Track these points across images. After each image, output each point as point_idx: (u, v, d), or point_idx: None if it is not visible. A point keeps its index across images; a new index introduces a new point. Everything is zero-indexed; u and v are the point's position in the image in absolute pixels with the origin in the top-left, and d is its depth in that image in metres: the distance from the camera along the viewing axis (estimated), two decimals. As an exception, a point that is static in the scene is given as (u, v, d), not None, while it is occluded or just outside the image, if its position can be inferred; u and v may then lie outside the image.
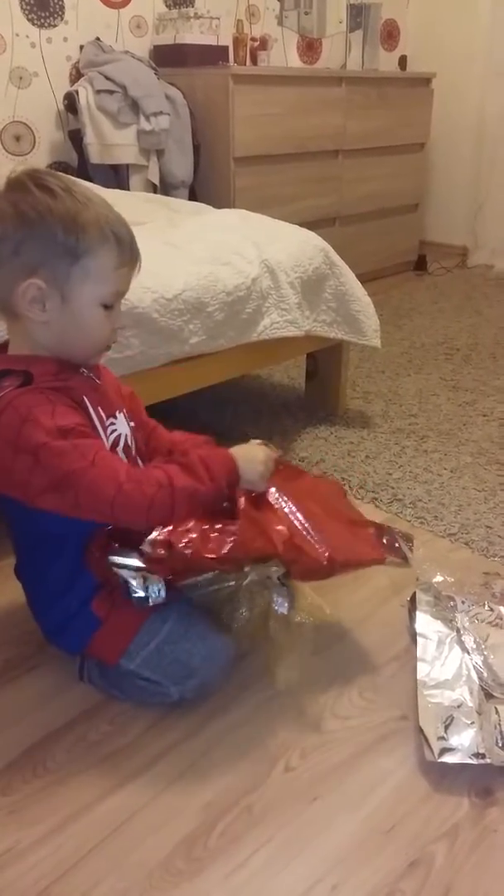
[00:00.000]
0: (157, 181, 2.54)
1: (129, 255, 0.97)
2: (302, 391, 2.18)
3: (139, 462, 1.11)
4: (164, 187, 2.58)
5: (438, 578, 1.31)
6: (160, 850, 0.87)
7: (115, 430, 1.04)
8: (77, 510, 0.93)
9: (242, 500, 1.00)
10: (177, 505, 0.94)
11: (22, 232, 0.91)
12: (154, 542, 0.93)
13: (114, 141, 2.45)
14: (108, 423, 1.03)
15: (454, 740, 0.97)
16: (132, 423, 1.11)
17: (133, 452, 1.09)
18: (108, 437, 1.02)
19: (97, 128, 2.45)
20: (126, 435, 1.07)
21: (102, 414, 1.02)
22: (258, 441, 1.10)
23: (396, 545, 1.41)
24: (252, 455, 1.04)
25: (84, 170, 2.51)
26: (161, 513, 0.94)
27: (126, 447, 1.06)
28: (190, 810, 0.92)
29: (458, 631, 1.15)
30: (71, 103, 2.47)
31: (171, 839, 0.89)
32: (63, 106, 2.54)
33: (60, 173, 0.99)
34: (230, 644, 1.06)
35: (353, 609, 1.27)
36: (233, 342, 1.58)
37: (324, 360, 2.01)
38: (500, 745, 0.96)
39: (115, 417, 1.05)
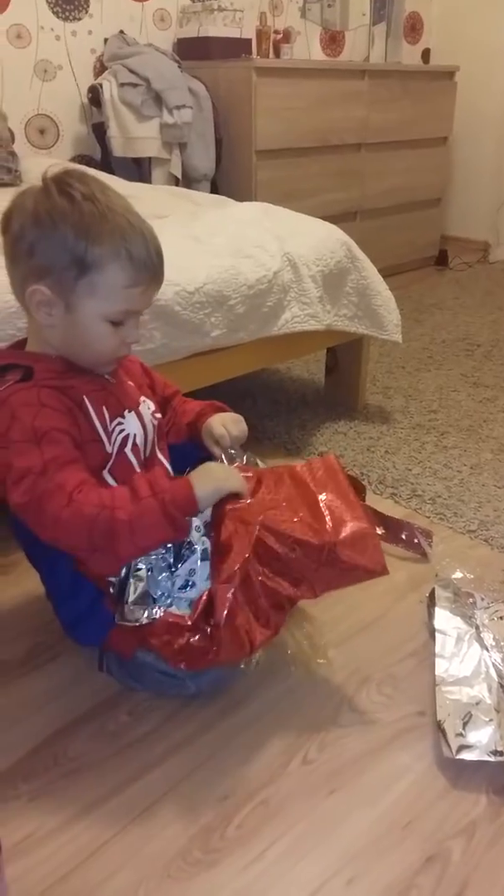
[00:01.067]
0: (179, 174, 2.54)
1: (144, 275, 0.94)
2: (321, 386, 2.17)
3: (160, 457, 1.11)
4: (187, 181, 2.58)
5: (458, 575, 1.31)
6: (177, 840, 0.88)
7: (123, 430, 1.03)
8: (27, 517, 0.93)
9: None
10: (118, 527, 0.91)
11: (35, 235, 0.91)
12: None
13: (137, 134, 2.45)
14: (112, 424, 1.02)
15: (472, 737, 0.97)
16: (157, 416, 1.11)
17: (144, 454, 1.07)
18: (112, 439, 1.01)
19: (120, 121, 2.45)
20: (135, 435, 1.05)
21: (107, 415, 1.01)
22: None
23: (415, 541, 1.42)
24: (207, 470, 1.01)
25: (107, 163, 2.51)
26: (102, 538, 0.91)
27: (135, 447, 1.05)
28: (207, 802, 0.93)
29: (477, 628, 1.15)
30: (95, 96, 2.48)
31: (189, 830, 0.89)
32: (87, 99, 2.55)
33: (94, 177, 0.97)
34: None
35: (371, 604, 1.27)
36: (254, 335, 1.58)
37: (344, 354, 2.01)
38: (519, 742, 0.96)
39: (123, 417, 1.03)
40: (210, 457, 1.12)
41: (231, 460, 1.10)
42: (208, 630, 0.93)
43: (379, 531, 1.44)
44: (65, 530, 0.91)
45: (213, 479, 0.99)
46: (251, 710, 1.05)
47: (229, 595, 0.92)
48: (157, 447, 1.11)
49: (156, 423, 1.11)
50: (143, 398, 1.10)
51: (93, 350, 0.99)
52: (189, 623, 0.94)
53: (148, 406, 1.10)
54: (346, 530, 0.98)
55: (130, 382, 1.10)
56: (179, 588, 1.00)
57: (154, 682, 1.04)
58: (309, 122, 2.78)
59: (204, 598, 0.95)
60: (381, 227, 3.24)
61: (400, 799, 0.93)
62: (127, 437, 1.04)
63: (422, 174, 3.39)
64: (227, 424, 1.13)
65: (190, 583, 1.00)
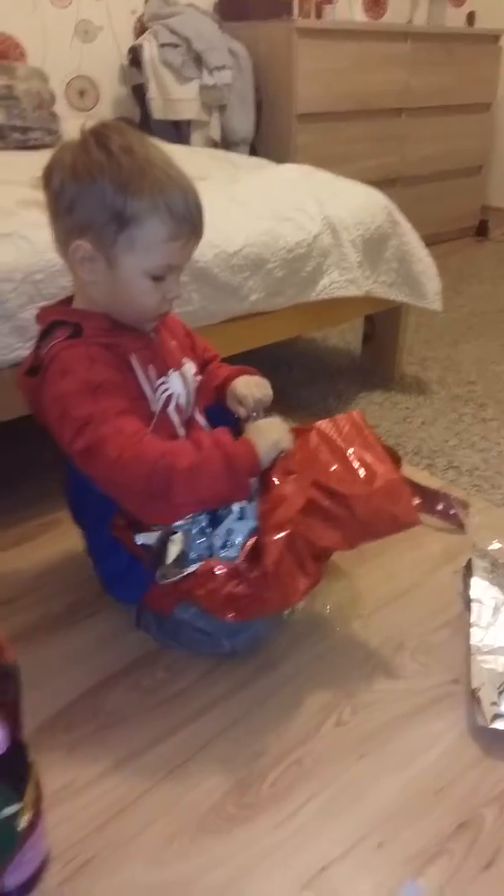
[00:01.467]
0: (218, 138, 2.50)
1: (183, 228, 0.93)
2: (357, 355, 2.15)
3: (200, 420, 1.11)
4: (225, 144, 2.55)
5: (495, 546, 1.30)
6: (212, 795, 0.89)
7: (167, 389, 1.03)
8: (87, 467, 0.93)
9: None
10: (177, 474, 0.90)
11: (75, 190, 0.90)
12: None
13: (176, 96, 2.42)
14: (158, 383, 1.02)
15: (507, 706, 0.97)
16: (197, 378, 1.10)
17: (187, 413, 1.07)
18: (157, 398, 1.02)
19: (160, 82, 2.42)
20: (178, 395, 1.05)
21: (152, 373, 1.01)
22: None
23: (452, 512, 1.41)
24: (260, 431, 1.01)
25: (146, 125, 2.49)
26: (161, 484, 0.90)
27: (178, 407, 1.05)
28: (241, 759, 0.94)
29: (514, 598, 1.14)
30: (135, 57, 2.45)
31: (223, 785, 0.90)
32: (127, 60, 2.52)
33: (133, 129, 0.95)
34: None
35: (405, 574, 1.26)
36: (291, 301, 1.56)
37: (382, 323, 1.98)
38: None
39: (167, 376, 1.03)
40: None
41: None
42: (254, 577, 0.93)
43: (415, 501, 1.43)
44: (125, 473, 0.90)
45: (270, 437, 0.99)
46: (286, 671, 1.06)
47: (279, 542, 0.93)
48: (196, 409, 1.11)
49: (196, 384, 1.10)
50: (185, 359, 1.09)
51: (136, 306, 0.98)
52: (235, 570, 0.94)
53: (190, 367, 1.09)
54: (379, 481, 1.00)
55: (174, 342, 1.10)
56: (219, 548, 1.00)
57: (190, 641, 1.05)
58: (350, 85, 2.72)
59: (250, 544, 0.95)
60: (421, 194, 3.17)
61: (432, 765, 0.93)
62: (170, 396, 1.03)
63: (463, 141, 3.31)
64: (251, 387, 1.13)
65: (228, 543, 1.00)
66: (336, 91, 2.68)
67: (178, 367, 1.07)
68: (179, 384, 1.06)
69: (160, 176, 0.91)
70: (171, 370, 1.05)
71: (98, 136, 0.91)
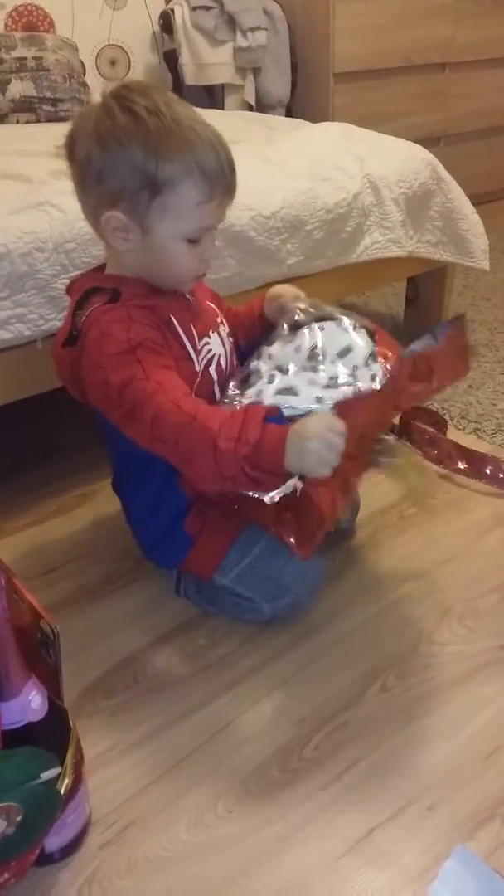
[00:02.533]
0: (252, 101, 2.45)
1: (217, 188, 0.90)
2: (400, 320, 2.10)
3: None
4: (261, 107, 2.49)
5: (546, 509, 1.25)
6: (255, 758, 0.88)
7: (210, 350, 1.02)
8: (129, 426, 0.91)
9: None
10: (199, 448, 0.85)
11: (103, 159, 0.87)
12: None
13: (209, 60, 2.37)
14: (201, 343, 1.00)
15: None
16: (230, 338, 1.09)
17: (226, 373, 1.06)
18: (199, 358, 1.00)
19: (193, 47, 2.37)
20: (220, 355, 1.04)
21: (195, 333, 0.99)
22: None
23: (501, 476, 1.36)
24: (303, 436, 0.84)
25: (179, 92, 2.44)
26: (188, 448, 0.87)
27: (219, 367, 1.04)
28: (284, 723, 0.92)
29: None
30: (167, 22, 2.40)
31: (266, 750, 0.89)
32: (158, 26, 2.48)
33: (156, 87, 0.92)
34: (322, 563, 1.05)
35: (454, 538, 1.23)
36: (331, 263, 1.52)
37: (425, 285, 1.92)
38: None
39: (209, 337, 1.02)
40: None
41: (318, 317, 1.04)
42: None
43: (461, 465, 1.40)
44: (160, 428, 0.87)
45: (311, 451, 0.83)
46: (328, 638, 1.04)
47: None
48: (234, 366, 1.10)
49: (230, 344, 1.09)
50: (220, 319, 1.07)
51: (172, 270, 0.96)
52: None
53: (225, 328, 1.08)
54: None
55: (209, 303, 1.08)
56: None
57: (230, 606, 1.05)
58: (390, 41, 2.62)
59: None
60: (467, 152, 3.05)
61: (482, 730, 0.91)
62: (213, 356, 1.02)
63: (512, 95, 3.17)
64: (279, 288, 1.12)
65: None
66: (375, 48, 2.58)
67: (217, 327, 1.05)
68: (219, 345, 1.04)
69: (190, 136, 0.87)
70: (211, 330, 1.03)
71: (121, 98, 0.88)
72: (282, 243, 1.42)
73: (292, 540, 0.93)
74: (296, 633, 1.05)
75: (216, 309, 1.09)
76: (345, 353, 1.00)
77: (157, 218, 0.89)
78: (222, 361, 1.04)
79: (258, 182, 1.39)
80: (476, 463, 1.39)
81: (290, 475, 0.87)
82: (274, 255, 1.41)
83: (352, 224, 1.51)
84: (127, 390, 0.89)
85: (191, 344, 0.99)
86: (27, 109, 1.98)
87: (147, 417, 0.88)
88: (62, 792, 0.70)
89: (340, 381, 0.98)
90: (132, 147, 0.86)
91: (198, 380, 0.99)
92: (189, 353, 0.98)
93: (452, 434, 1.48)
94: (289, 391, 0.98)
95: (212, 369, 1.03)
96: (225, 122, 1.93)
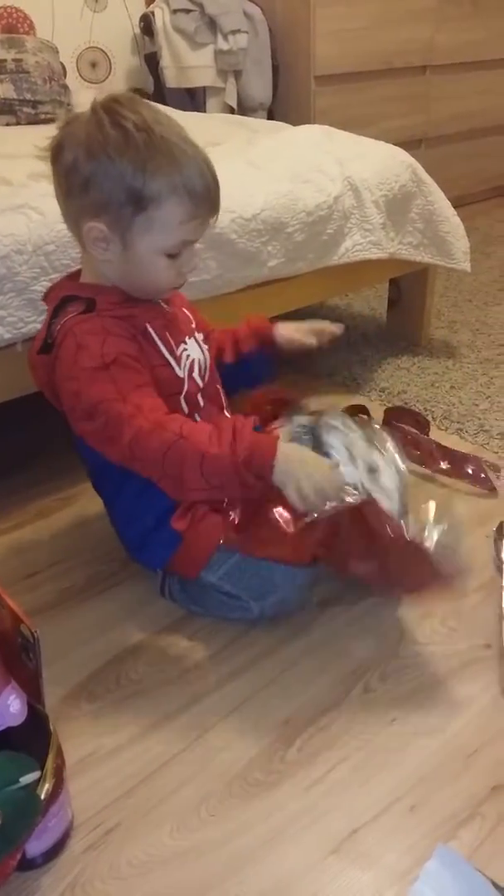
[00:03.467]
0: (234, 104, 2.45)
1: (202, 208, 0.91)
2: (383, 321, 2.10)
3: (217, 386, 1.10)
4: (242, 110, 2.50)
5: (527, 508, 1.26)
6: (238, 761, 0.88)
7: (189, 355, 1.03)
8: (102, 444, 0.94)
9: None
10: (188, 462, 0.89)
11: (90, 169, 0.88)
12: None
13: (190, 63, 2.37)
14: (179, 349, 1.01)
15: (541, 669, 0.94)
16: (206, 344, 1.09)
17: (207, 378, 1.07)
18: (181, 363, 1.01)
19: (173, 50, 2.37)
20: (198, 360, 1.04)
21: (171, 341, 1.00)
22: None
23: (482, 475, 1.37)
24: (305, 463, 0.92)
25: (160, 95, 2.44)
26: (174, 464, 0.90)
27: (200, 373, 1.05)
28: (268, 725, 0.92)
29: (547, 561, 1.11)
30: (147, 25, 2.40)
31: (249, 751, 0.89)
32: (139, 28, 2.47)
33: (145, 103, 0.92)
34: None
35: (436, 538, 1.23)
36: (313, 265, 1.53)
37: (408, 286, 1.93)
38: None
39: (185, 343, 1.03)
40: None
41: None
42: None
43: (444, 466, 1.40)
44: (141, 449, 0.90)
45: (301, 483, 0.90)
46: (311, 639, 1.04)
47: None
48: (215, 379, 1.11)
49: (207, 350, 1.09)
50: (193, 325, 1.08)
51: (150, 282, 0.97)
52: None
53: (199, 334, 1.09)
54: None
55: (184, 310, 1.09)
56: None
57: (217, 605, 1.04)
58: (371, 44, 2.63)
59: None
60: (448, 154, 3.07)
61: (464, 729, 0.91)
62: (193, 361, 1.03)
63: (493, 98, 3.18)
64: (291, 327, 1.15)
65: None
66: (357, 50, 2.60)
67: (192, 333, 1.06)
68: (197, 350, 1.05)
69: (178, 154, 0.88)
70: (187, 336, 1.04)
71: (111, 112, 0.88)
72: (263, 245, 1.42)
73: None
74: (279, 635, 1.05)
75: (189, 315, 1.09)
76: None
77: (139, 233, 0.90)
78: (199, 366, 1.05)
79: (239, 184, 1.39)
80: (458, 463, 1.39)
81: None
82: (255, 257, 1.42)
83: (333, 226, 1.51)
84: (101, 408, 0.90)
85: (168, 351, 0.99)
86: (7, 112, 1.97)
87: (125, 439, 0.90)
88: (42, 797, 0.70)
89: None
90: (121, 162, 0.86)
91: (185, 386, 1.00)
92: (168, 360, 0.99)
93: (435, 434, 1.49)
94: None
95: (195, 375, 1.03)
96: (206, 124, 1.93)
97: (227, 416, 0.98)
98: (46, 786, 0.70)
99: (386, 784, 0.85)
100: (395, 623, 1.07)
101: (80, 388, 0.91)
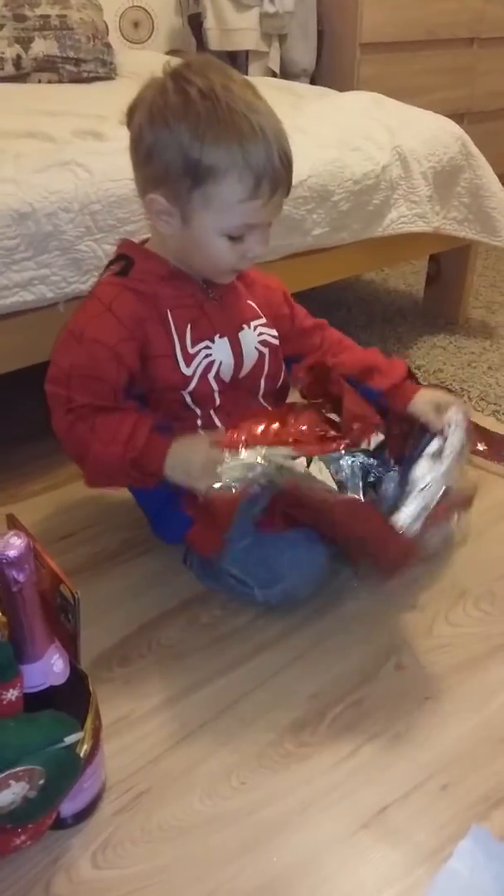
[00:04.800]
0: (277, 69, 2.40)
1: (265, 186, 0.85)
2: (419, 298, 2.07)
3: (262, 387, 1.06)
4: (285, 76, 2.44)
5: None
6: (269, 731, 0.88)
7: (210, 355, 0.97)
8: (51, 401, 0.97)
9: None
10: (86, 452, 0.95)
11: (150, 137, 0.85)
12: None
13: (235, 25, 2.32)
14: (197, 346, 0.96)
15: None
16: (270, 342, 1.04)
17: (228, 382, 1.01)
18: (191, 362, 0.96)
19: (218, 11, 2.32)
20: (221, 362, 0.98)
21: (189, 336, 0.96)
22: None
23: (519, 458, 1.35)
24: (183, 452, 0.93)
25: (202, 57, 2.40)
26: (73, 449, 0.97)
27: (218, 376, 0.99)
28: (299, 698, 0.92)
29: None
30: (192, -16, 2.34)
31: (280, 723, 0.89)
32: (183, -12, 2.42)
33: (219, 67, 0.87)
34: (323, 554, 1.01)
35: (471, 520, 1.21)
36: (356, 236, 1.50)
37: (448, 263, 1.89)
38: None
39: (212, 342, 0.97)
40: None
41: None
42: None
43: (480, 447, 1.38)
44: (60, 433, 0.96)
45: (187, 471, 0.93)
46: (342, 614, 1.04)
47: None
48: (262, 377, 1.05)
49: (266, 350, 1.04)
50: (254, 323, 1.03)
51: (209, 263, 0.94)
52: None
53: (257, 333, 1.03)
54: None
55: (249, 302, 1.04)
56: None
57: (227, 585, 1.03)
58: (419, 13, 2.55)
59: None
60: (492, 130, 2.99)
61: (498, 711, 0.91)
62: (212, 363, 0.98)
63: (539, 74, 3.10)
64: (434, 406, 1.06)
65: None
66: (404, 19, 2.52)
67: (235, 332, 1.00)
68: (226, 352, 0.99)
69: (242, 125, 0.82)
70: (217, 335, 0.98)
71: (177, 77, 0.84)
72: (308, 213, 1.39)
73: None
74: (311, 608, 1.04)
75: (254, 307, 1.04)
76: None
77: (198, 209, 0.86)
78: (223, 369, 0.99)
79: (286, 150, 1.36)
80: (496, 445, 1.37)
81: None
82: (300, 225, 1.39)
83: (379, 197, 1.48)
84: (55, 373, 0.95)
85: (181, 346, 0.95)
86: (49, 69, 1.93)
87: (55, 417, 0.96)
88: (82, 757, 0.70)
89: None
90: (179, 129, 0.82)
91: (192, 384, 0.97)
92: (174, 354, 0.95)
93: (471, 415, 1.46)
94: None
95: (210, 377, 0.98)
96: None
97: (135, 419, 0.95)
98: (85, 746, 0.70)
99: (417, 762, 0.85)
100: (428, 603, 1.06)
101: (56, 347, 0.95)
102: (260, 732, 0.88)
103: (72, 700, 0.71)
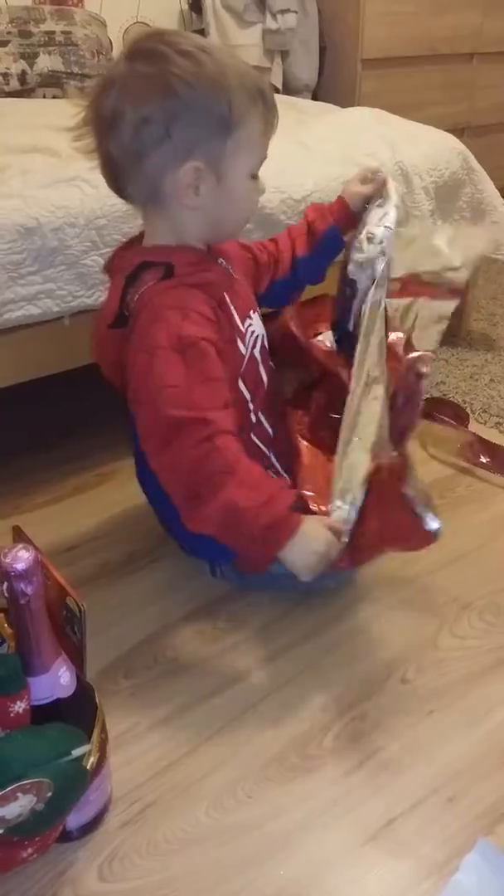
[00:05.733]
0: (279, 84, 2.42)
1: (273, 111, 0.88)
2: (421, 311, 2.08)
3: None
4: (287, 91, 2.46)
5: None
6: (274, 744, 0.88)
7: (254, 331, 1.00)
8: (146, 428, 0.88)
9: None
10: (216, 496, 0.84)
11: (170, 109, 0.80)
12: None
13: (238, 41, 2.34)
14: (245, 323, 0.97)
15: None
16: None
17: (267, 358, 1.04)
18: (246, 339, 0.97)
19: (221, 27, 2.35)
20: (262, 336, 1.02)
21: (239, 314, 0.96)
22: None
23: (523, 471, 1.35)
24: (311, 539, 0.87)
25: (205, 73, 2.42)
26: (191, 482, 0.85)
27: (263, 349, 1.01)
28: (304, 710, 0.92)
29: None
30: (195, 1, 2.37)
31: (286, 736, 0.89)
32: (187, 4, 2.45)
33: (184, 32, 0.88)
34: None
35: (474, 532, 1.22)
36: (359, 251, 1.50)
37: (449, 276, 1.90)
38: None
39: (251, 318, 0.99)
40: None
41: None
42: None
43: (483, 459, 1.39)
44: (178, 459, 0.85)
45: (306, 563, 0.88)
46: (348, 627, 1.04)
47: None
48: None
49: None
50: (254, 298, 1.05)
51: (239, 213, 0.93)
52: None
53: (257, 311, 1.05)
54: None
55: (244, 280, 1.05)
56: None
57: (269, 582, 1.03)
58: (420, 29, 2.58)
59: None
60: (491, 145, 3.01)
61: (502, 725, 0.90)
62: (257, 337, 1.00)
63: (539, 89, 3.13)
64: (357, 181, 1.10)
65: None
66: (405, 34, 2.55)
67: (255, 307, 1.03)
68: (261, 325, 1.02)
69: (240, 66, 0.85)
70: (251, 310, 1.00)
71: (172, 43, 0.80)
72: (311, 228, 1.40)
73: None
74: (316, 621, 1.04)
75: (247, 287, 1.05)
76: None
77: (232, 158, 0.85)
78: (265, 342, 1.03)
79: (290, 165, 1.38)
80: (499, 457, 1.38)
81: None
82: (303, 239, 1.39)
83: (381, 211, 1.49)
84: (164, 394, 0.84)
85: (241, 323, 0.96)
86: (54, 84, 1.96)
87: (165, 434, 0.85)
88: (88, 769, 0.70)
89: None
90: (202, 91, 0.81)
91: (244, 363, 0.97)
92: (237, 336, 0.95)
93: (473, 427, 1.47)
94: None
95: (256, 351, 1.00)
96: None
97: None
98: (92, 759, 0.70)
99: (423, 775, 0.85)
100: (432, 615, 1.06)
101: (149, 366, 0.85)
102: (265, 745, 0.88)
103: (78, 713, 0.71)
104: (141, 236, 0.96)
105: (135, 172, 0.86)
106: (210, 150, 0.84)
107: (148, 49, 0.82)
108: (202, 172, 0.85)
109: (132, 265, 0.90)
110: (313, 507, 0.94)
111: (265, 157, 0.91)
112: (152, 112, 0.81)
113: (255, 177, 0.90)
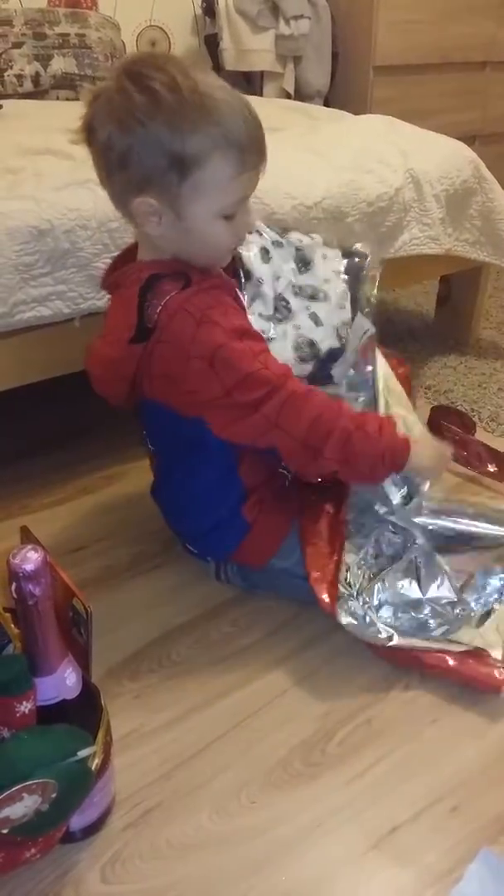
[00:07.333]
0: (291, 90, 2.43)
1: (249, 156, 0.84)
2: (429, 318, 2.08)
3: None
4: (299, 97, 2.47)
5: None
6: (279, 750, 0.88)
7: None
8: (245, 416, 0.89)
9: None
10: (335, 434, 0.91)
11: (125, 141, 0.81)
12: None
13: (250, 46, 2.35)
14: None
15: None
16: None
17: None
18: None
19: (234, 32, 2.35)
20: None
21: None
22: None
23: (530, 479, 1.35)
24: (423, 446, 1.00)
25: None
26: (319, 435, 0.91)
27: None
28: (308, 717, 0.92)
29: None
30: (209, 6, 2.38)
31: (290, 742, 0.89)
32: (201, 9, 2.46)
33: (171, 57, 0.86)
34: None
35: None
36: (369, 257, 1.51)
37: (459, 285, 1.90)
38: None
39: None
40: None
41: None
42: None
43: (491, 468, 1.39)
44: (294, 414, 0.90)
45: (428, 456, 0.99)
46: (352, 635, 1.03)
47: None
48: None
49: None
50: None
51: (211, 250, 0.91)
52: None
53: None
54: None
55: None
56: None
57: (289, 588, 1.04)
58: (433, 37, 2.59)
59: None
60: (502, 153, 3.01)
61: (506, 734, 0.90)
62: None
63: (551, 98, 3.13)
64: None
65: None
66: (418, 42, 2.55)
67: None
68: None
69: (212, 106, 0.80)
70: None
71: (136, 76, 0.81)
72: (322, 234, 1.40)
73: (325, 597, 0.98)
74: (321, 627, 1.03)
75: None
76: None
77: (190, 199, 0.84)
78: None
79: (301, 172, 1.38)
80: (506, 466, 1.38)
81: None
82: (313, 245, 1.40)
83: (392, 218, 1.49)
84: (253, 377, 0.88)
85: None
86: (67, 86, 1.97)
87: (275, 404, 0.89)
88: (93, 771, 0.70)
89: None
90: (153, 126, 0.80)
91: None
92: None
93: (481, 436, 1.47)
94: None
95: None
96: (266, 109, 1.89)
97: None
98: (96, 761, 0.70)
99: (427, 784, 0.85)
100: (439, 623, 1.06)
101: (216, 365, 0.86)
102: (269, 751, 0.88)
103: (84, 714, 0.71)
104: (127, 252, 0.98)
105: (108, 186, 0.89)
106: (164, 189, 0.83)
107: (123, 77, 0.82)
108: (157, 208, 0.85)
109: (141, 279, 0.89)
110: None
111: (245, 197, 0.88)
112: (113, 138, 0.82)
113: (229, 216, 0.87)
